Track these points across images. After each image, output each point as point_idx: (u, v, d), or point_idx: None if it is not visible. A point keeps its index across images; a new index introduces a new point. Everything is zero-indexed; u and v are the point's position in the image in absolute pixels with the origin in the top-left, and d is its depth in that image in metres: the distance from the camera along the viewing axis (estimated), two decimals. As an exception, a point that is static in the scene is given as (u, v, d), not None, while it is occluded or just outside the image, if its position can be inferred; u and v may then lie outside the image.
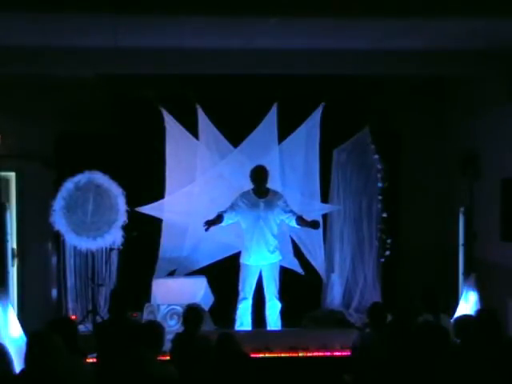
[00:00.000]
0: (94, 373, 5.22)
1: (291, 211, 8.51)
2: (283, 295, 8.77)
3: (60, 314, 8.93)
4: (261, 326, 8.57)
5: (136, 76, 8.56)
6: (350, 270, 9.31)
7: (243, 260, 8.56)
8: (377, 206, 9.30)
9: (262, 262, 8.51)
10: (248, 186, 9.10)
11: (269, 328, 8.54)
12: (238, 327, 8.46)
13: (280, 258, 8.64)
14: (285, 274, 9.02)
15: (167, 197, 9.28)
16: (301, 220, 8.45)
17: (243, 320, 8.50)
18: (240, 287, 8.54)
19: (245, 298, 8.51)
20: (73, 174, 8.87)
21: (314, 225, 8.42)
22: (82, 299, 9.15)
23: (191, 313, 6.45)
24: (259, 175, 8.52)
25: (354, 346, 6.41)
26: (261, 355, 7.49)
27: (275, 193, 8.65)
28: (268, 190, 8.59)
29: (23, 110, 9.15)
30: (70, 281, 9.15)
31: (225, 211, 8.44)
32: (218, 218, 8.36)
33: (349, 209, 9.37)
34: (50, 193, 8.91)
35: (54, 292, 9.25)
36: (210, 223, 8.28)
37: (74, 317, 8.86)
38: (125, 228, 8.89)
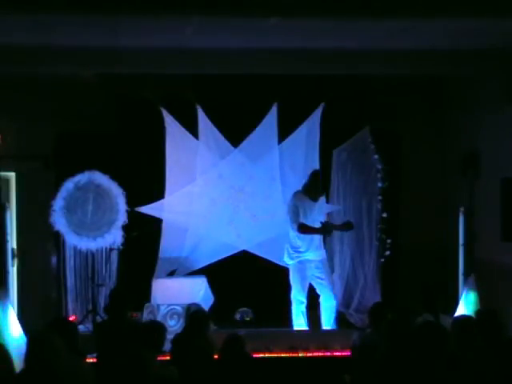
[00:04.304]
0: (94, 373, 5.22)
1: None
2: (283, 295, 8.79)
3: (60, 314, 8.92)
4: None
5: (136, 76, 8.56)
6: (350, 270, 9.30)
7: (296, 259, 8.55)
8: (377, 205, 9.28)
9: (315, 257, 8.56)
10: (248, 186, 9.17)
11: (324, 327, 8.56)
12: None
13: (325, 256, 8.73)
14: (285, 274, 9.03)
15: (167, 197, 9.28)
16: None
17: (301, 321, 8.53)
18: (295, 291, 8.52)
19: (302, 302, 8.52)
20: (73, 174, 8.89)
21: (346, 225, 8.66)
22: (82, 299, 9.14)
23: (196, 316, 6.48)
24: (319, 180, 8.65)
25: (353, 346, 6.41)
26: (261, 355, 7.49)
27: (322, 195, 8.77)
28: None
29: (23, 109, 9.14)
30: (70, 281, 9.14)
31: (298, 220, 8.46)
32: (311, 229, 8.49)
33: (349, 209, 9.37)
34: (50, 193, 8.92)
35: (54, 292, 9.24)
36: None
37: (74, 317, 8.87)
38: (125, 228, 8.90)
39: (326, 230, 8.52)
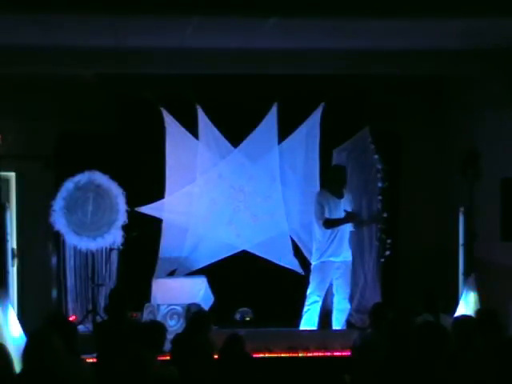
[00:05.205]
0: (94, 373, 5.21)
1: None
2: (282, 295, 8.79)
3: (59, 312, 8.90)
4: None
5: (136, 76, 8.56)
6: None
7: (319, 259, 8.52)
8: (377, 205, 9.28)
9: (338, 258, 8.50)
10: (248, 186, 9.16)
11: (334, 327, 8.56)
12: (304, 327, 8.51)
13: (351, 258, 8.67)
14: (284, 274, 9.03)
15: (167, 197, 9.29)
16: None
17: (313, 320, 8.52)
18: (312, 289, 8.51)
19: (317, 301, 8.50)
20: (73, 174, 8.89)
21: (374, 218, 8.80)
22: (82, 299, 9.14)
23: (198, 316, 6.49)
24: (344, 176, 8.61)
25: (354, 346, 6.41)
26: (261, 355, 7.49)
27: (347, 193, 8.73)
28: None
29: (23, 109, 9.14)
30: (70, 281, 9.14)
31: (324, 216, 8.44)
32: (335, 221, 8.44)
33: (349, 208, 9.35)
34: (49, 193, 8.92)
35: (54, 292, 9.24)
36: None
37: (74, 317, 8.88)
38: (125, 228, 8.90)
39: (349, 217, 8.46)
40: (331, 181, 8.66)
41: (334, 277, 8.54)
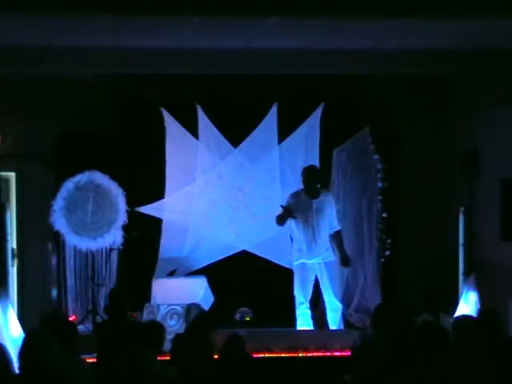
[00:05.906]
0: (94, 373, 5.21)
1: (335, 223, 8.60)
2: (283, 295, 8.78)
3: (59, 311, 8.91)
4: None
5: (136, 76, 8.56)
6: (349, 270, 9.28)
7: (298, 260, 8.52)
8: (377, 205, 9.29)
9: (317, 260, 8.47)
10: (248, 186, 9.14)
11: (330, 327, 8.54)
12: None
13: (333, 258, 8.60)
14: (284, 274, 9.03)
15: (167, 197, 9.30)
16: (335, 238, 8.58)
17: (307, 322, 8.50)
18: (296, 292, 8.50)
19: (302, 303, 8.47)
20: (73, 174, 8.89)
21: (343, 259, 8.57)
22: (82, 299, 9.15)
23: (204, 319, 6.49)
24: (312, 175, 8.51)
25: (354, 346, 6.41)
26: (261, 355, 7.49)
27: (327, 194, 8.65)
28: (319, 190, 8.57)
29: (23, 109, 9.14)
30: (70, 281, 9.15)
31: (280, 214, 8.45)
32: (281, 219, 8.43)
33: (349, 209, 9.37)
34: (50, 193, 8.92)
35: (54, 292, 9.24)
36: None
37: (74, 317, 8.88)
38: (125, 228, 8.90)
39: (285, 212, 8.36)
40: (303, 181, 8.60)
41: (320, 277, 8.53)
